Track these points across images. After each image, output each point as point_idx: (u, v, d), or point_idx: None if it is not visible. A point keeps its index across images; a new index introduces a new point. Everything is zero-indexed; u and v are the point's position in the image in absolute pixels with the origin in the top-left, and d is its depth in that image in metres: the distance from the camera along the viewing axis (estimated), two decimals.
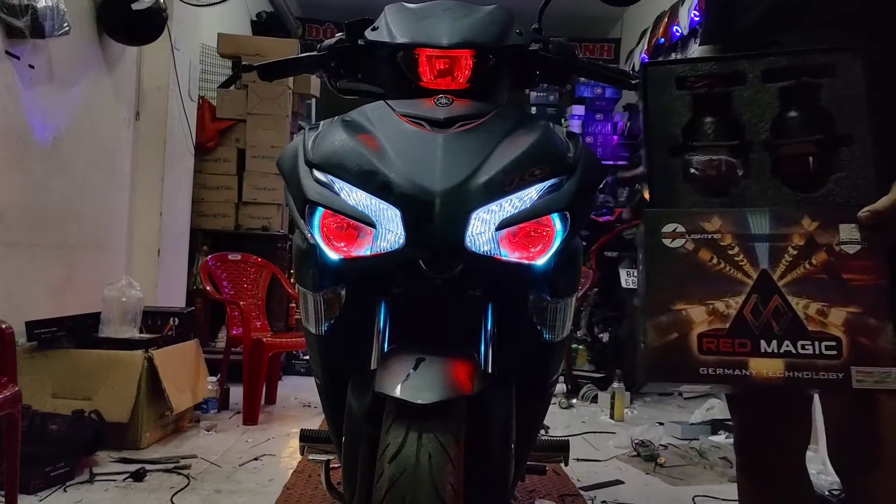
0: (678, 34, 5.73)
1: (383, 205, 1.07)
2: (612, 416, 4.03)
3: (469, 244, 1.06)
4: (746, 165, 1.19)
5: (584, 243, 5.95)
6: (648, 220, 1.14)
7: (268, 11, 6.85)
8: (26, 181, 3.14)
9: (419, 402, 0.94)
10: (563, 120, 7.44)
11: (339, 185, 1.12)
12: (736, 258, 1.10)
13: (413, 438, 0.92)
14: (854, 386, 1.04)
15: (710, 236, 1.11)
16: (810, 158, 1.17)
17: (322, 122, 1.29)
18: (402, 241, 1.06)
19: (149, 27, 3.77)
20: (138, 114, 4.21)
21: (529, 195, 1.11)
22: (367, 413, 1.07)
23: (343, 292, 1.24)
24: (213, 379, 3.66)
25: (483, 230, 1.08)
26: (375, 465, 0.96)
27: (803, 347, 1.07)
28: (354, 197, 1.10)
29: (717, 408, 3.73)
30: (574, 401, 4.46)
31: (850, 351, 1.05)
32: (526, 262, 1.12)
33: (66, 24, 3.04)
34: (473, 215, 1.06)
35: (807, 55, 1.23)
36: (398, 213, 1.06)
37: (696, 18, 5.35)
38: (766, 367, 1.07)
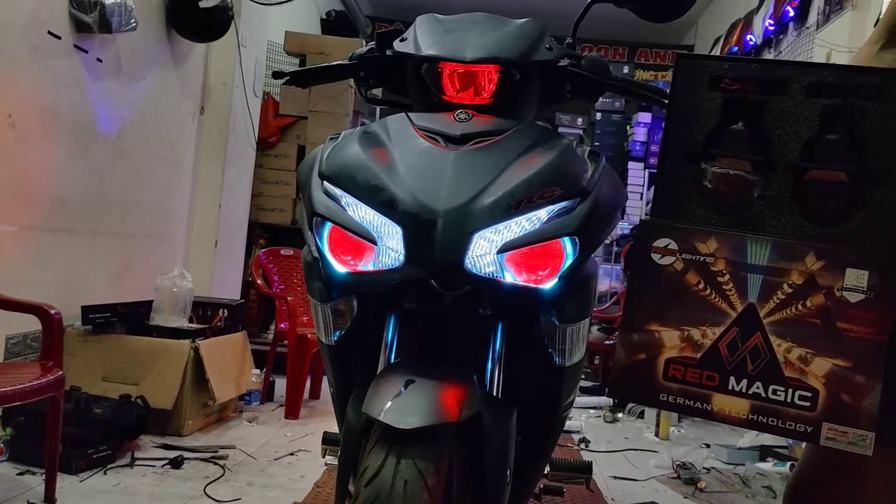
0: (752, 43, 5.54)
1: (386, 221, 1.06)
2: (656, 434, 3.93)
3: (469, 265, 1.04)
4: (766, 186, 1.10)
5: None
6: (642, 229, 1.09)
7: (338, 10, 6.94)
8: (90, 170, 3.26)
9: (401, 427, 0.93)
10: (628, 127, 7.31)
11: (346, 199, 1.12)
12: (724, 286, 1.04)
13: (391, 463, 0.91)
14: (822, 443, 0.98)
15: (702, 258, 1.04)
16: (839, 189, 1.07)
17: (343, 133, 1.29)
18: (402, 258, 1.05)
19: (215, 25, 3.88)
20: (203, 108, 4.33)
21: (538, 217, 1.08)
22: (363, 428, 1.06)
23: (354, 303, 1.24)
24: (258, 371, 3.73)
25: (486, 251, 1.05)
26: None
27: (775, 393, 1.01)
28: (360, 212, 1.10)
29: None
30: (619, 415, 4.37)
31: (825, 406, 0.98)
32: (532, 285, 1.09)
33: (133, 21, 3.15)
34: (476, 236, 1.04)
35: (859, 73, 1.14)
36: (400, 230, 1.04)
37: (771, 28, 5.16)
38: (730, 405, 1.02)
